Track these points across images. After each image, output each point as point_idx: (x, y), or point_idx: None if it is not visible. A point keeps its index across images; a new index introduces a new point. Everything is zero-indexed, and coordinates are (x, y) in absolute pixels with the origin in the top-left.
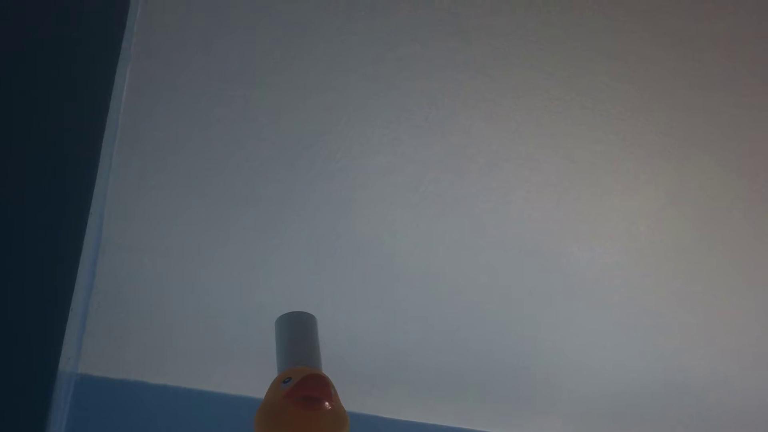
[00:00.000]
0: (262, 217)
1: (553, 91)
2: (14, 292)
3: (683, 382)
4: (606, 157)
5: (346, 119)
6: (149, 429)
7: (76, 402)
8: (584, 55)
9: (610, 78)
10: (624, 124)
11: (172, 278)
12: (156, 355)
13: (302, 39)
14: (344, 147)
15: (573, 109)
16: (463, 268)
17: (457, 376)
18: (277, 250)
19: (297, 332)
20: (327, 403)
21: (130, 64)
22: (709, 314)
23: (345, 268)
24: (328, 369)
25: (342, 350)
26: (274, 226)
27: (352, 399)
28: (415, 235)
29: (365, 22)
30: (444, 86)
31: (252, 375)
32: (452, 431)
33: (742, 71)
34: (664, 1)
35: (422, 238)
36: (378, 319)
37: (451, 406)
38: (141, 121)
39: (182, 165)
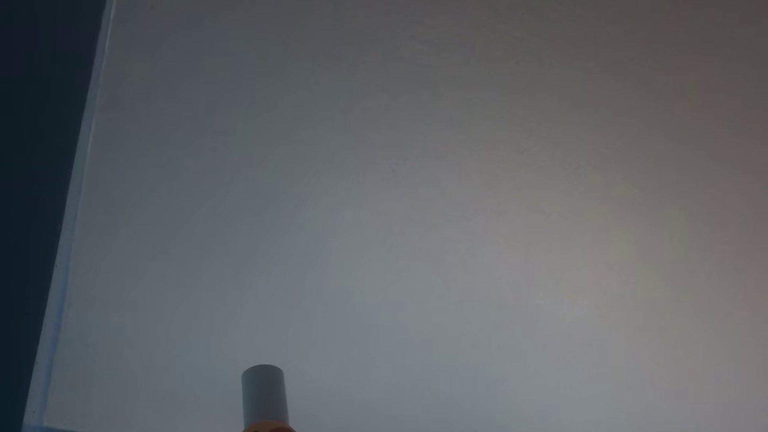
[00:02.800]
0: (229, 270)
1: (523, 143)
2: None
3: None
4: (576, 209)
5: (314, 171)
6: None
7: None
8: (554, 106)
9: (581, 129)
10: (594, 176)
11: (138, 331)
12: (122, 408)
13: (269, 89)
14: (311, 199)
15: (543, 161)
16: (432, 322)
17: (425, 430)
18: (243, 303)
19: (264, 385)
20: None
21: (96, 114)
22: (680, 368)
23: (312, 320)
24: (294, 422)
25: (309, 403)
26: (240, 278)
27: None
28: (383, 288)
29: (333, 73)
30: (412, 138)
31: (219, 428)
32: None
33: (713, 123)
34: (635, 52)
35: (390, 291)
36: (345, 373)
37: None
38: (107, 171)
39: (149, 217)
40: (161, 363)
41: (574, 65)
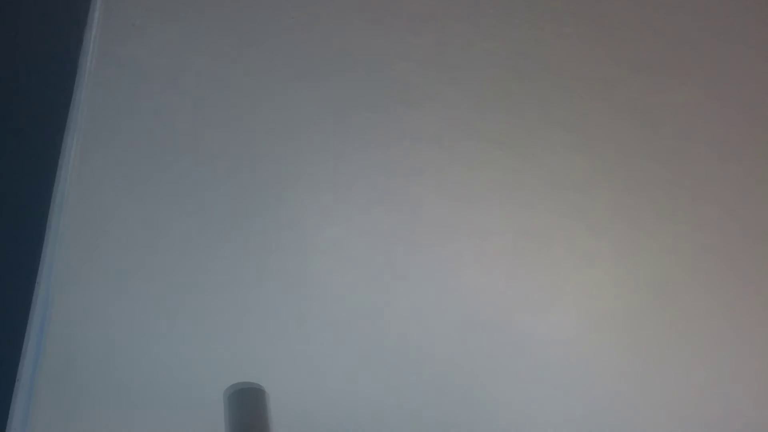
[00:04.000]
0: (213, 287)
1: (506, 161)
2: None
3: None
4: (558, 228)
5: (297, 190)
6: None
7: None
8: (538, 125)
9: (564, 149)
10: (578, 195)
11: (122, 349)
12: (105, 426)
13: (252, 108)
14: (295, 218)
15: (526, 180)
16: (416, 340)
17: None
18: (227, 322)
19: (246, 407)
20: None
21: (78, 132)
22: (666, 385)
23: (296, 340)
24: None
25: (292, 423)
26: (224, 296)
27: None
28: (368, 306)
29: (317, 91)
30: (396, 156)
31: None
32: None
33: (696, 143)
34: (620, 72)
35: (374, 309)
36: (329, 392)
37: None
38: (90, 189)
39: (132, 234)
40: (144, 381)
41: (559, 84)
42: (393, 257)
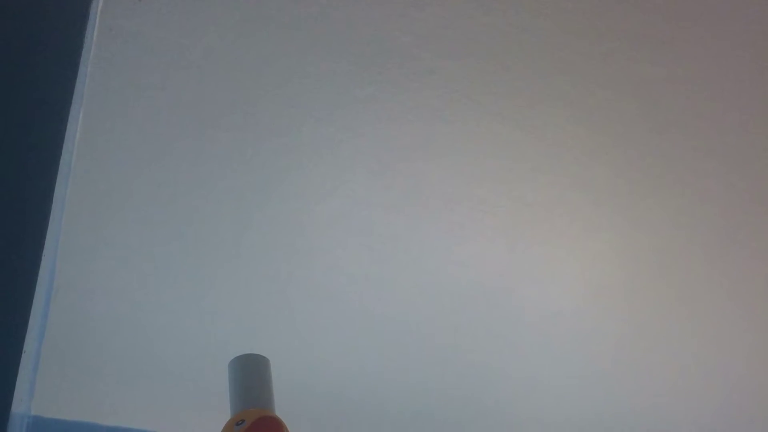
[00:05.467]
0: (217, 260)
1: (507, 135)
2: None
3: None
4: (559, 200)
5: (300, 163)
6: None
7: None
8: (539, 98)
9: (565, 121)
10: (578, 168)
11: (125, 320)
12: (109, 397)
13: (255, 83)
14: (297, 190)
15: (526, 153)
16: (417, 312)
17: (409, 420)
18: (231, 293)
19: (250, 374)
20: None
21: (83, 105)
22: (665, 357)
23: (298, 310)
24: (280, 411)
25: (295, 392)
26: (228, 268)
27: None
28: (369, 277)
29: (319, 66)
30: (398, 130)
31: (205, 417)
32: None
33: (697, 116)
34: (620, 44)
35: (375, 280)
36: (331, 361)
37: None
38: (95, 161)
39: (137, 206)
40: (149, 351)
41: (560, 57)
42: (395, 229)
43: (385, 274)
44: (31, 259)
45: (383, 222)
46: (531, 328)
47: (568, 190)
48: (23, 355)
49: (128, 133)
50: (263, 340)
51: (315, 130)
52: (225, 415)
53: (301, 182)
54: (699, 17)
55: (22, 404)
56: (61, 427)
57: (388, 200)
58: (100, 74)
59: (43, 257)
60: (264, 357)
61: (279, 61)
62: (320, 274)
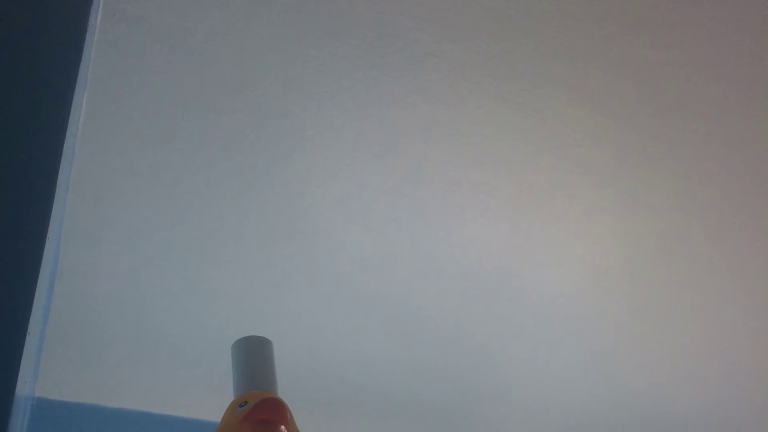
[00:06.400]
0: (219, 242)
1: (508, 118)
2: None
3: (640, 414)
4: (561, 183)
5: (302, 145)
6: None
7: (32, 425)
8: (540, 81)
9: (566, 105)
10: (579, 151)
11: (129, 302)
12: (113, 379)
13: (259, 66)
14: (300, 173)
15: (528, 136)
16: (417, 293)
17: (410, 402)
18: (233, 275)
19: (253, 356)
20: (283, 427)
21: (87, 89)
22: (665, 339)
23: (301, 292)
24: (283, 393)
25: (298, 374)
26: (230, 251)
27: (308, 423)
28: (371, 260)
29: (321, 49)
30: (400, 112)
31: (208, 398)
32: None
33: (698, 99)
34: (621, 28)
35: (377, 262)
36: (333, 343)
37: (405, 430)
38: (98, 144)
39: (140, 188)
40: (152, 334)
41: (561, 41)
42: (397, 212)
43: (386, 256)
44: (35, 242)
45: (385, 204)
46: (532, 310)
47: (569, 172)
48: (27, 337)
49: (132, 117)
50: (266, 322)
51: (317, 114)
52: (228, 396)
53: (303, 165)
54: (699, 1)
55: (26, 386)
56: (65, 409)
57: (390, 183)
58: (104, 58)
59: (47, 240)
60: (267, 339)
61: (282, 45)
62: (322, 256)
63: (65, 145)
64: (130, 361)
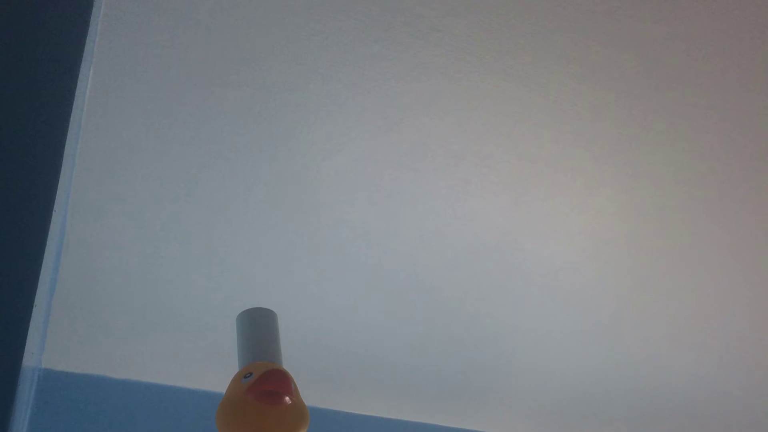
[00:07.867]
0: (224, 215)
1: (511, 92)
2: None
3: (641, 385)
4: (563, 156)
5: (307, 119)
6: (112, 423)
7: (39, 396)
8: (542, 55)
9: (568, 78)
10: (581, 124)
11: (135, 274)
12: (119, 350)
13: (263, 39)
14: (305, 146)
15: (530, 109)
16: (421, 266)
17: (414, 372)
18: (238, 248)
19: (258, 328)
20: (287, 398)
21: (93, 63)
22: (667, 311)
23: (305, 264)
24: (288, 364)
25: (302, 346)
26: (235, 224)
27: (312, 394)
28: (375, 232)
29: (325, 23)
30: (404, 87)
31: (213, 370)
32: (408, 426)
33: (699, 72)
34: (622, 2)
35: (381, 235)
36: (337, 315)
37: (408, 401)
38: (104, 118)
39: (146, 162)
40: (157, 306)
41: (563, 15)
42: (401, 184)
43: (390, 228)
44: (42, 214)
45: (389, 177)
46: (534, 282)
47: (571, 146)
48: (34, 309)
49: (138, 91)
50: (271, 294)
51: (322, 87)
52: (233, 368)
53: (307, 138)
54: None
55: (33, 358)
56: (72, 381)
57: (393, 156)
58: (110, 32)
59: (54, 212)
60: (271, 311)
61: (286, 19)
62: (326, 228)
63: (72, 119)
64: (136, 333)
